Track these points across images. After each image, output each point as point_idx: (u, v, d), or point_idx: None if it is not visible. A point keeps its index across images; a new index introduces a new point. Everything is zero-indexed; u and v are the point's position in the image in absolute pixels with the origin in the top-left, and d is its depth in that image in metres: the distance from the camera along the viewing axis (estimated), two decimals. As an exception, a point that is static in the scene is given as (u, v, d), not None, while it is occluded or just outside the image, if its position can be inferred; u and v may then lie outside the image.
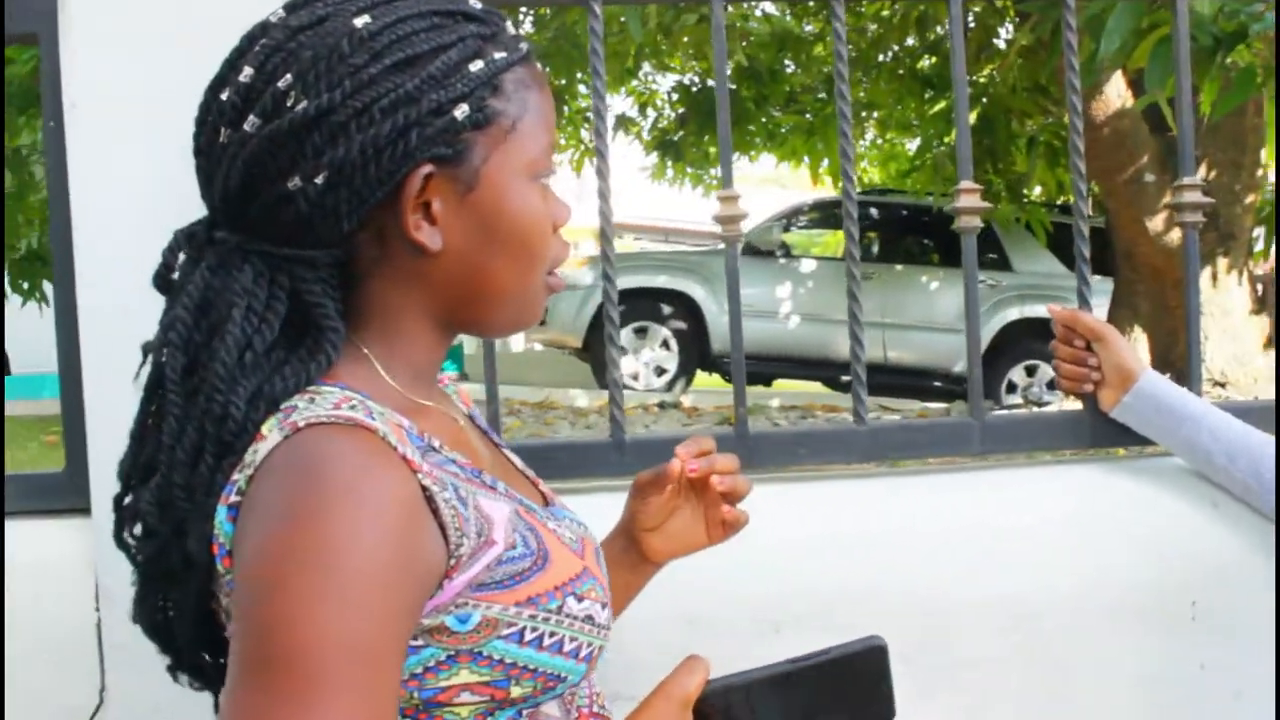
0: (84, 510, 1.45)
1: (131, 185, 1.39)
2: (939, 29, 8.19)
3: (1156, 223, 6.17)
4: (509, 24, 0.93)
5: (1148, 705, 1.48)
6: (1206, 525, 1.50)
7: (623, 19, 5.17)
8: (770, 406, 8.00)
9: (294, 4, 0.88)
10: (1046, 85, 7.29)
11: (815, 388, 9.78)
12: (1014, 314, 8.55)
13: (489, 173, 0.89)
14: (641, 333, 8.89)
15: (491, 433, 1.10)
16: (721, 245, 1.50)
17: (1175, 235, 6.25)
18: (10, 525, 1.43)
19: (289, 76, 0.84)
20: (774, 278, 9.05)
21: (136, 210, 1.38)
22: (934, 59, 8.36)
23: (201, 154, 0.89)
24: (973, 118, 7.56)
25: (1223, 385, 5.94)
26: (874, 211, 9.61)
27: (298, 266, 0.88)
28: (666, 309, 8.98)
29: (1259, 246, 6.33)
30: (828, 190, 11.06)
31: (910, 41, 8.32)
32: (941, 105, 7.87)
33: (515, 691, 0.86)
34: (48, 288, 6.73)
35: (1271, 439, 1.44)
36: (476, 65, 0.87)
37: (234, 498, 0.82)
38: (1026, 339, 8.36)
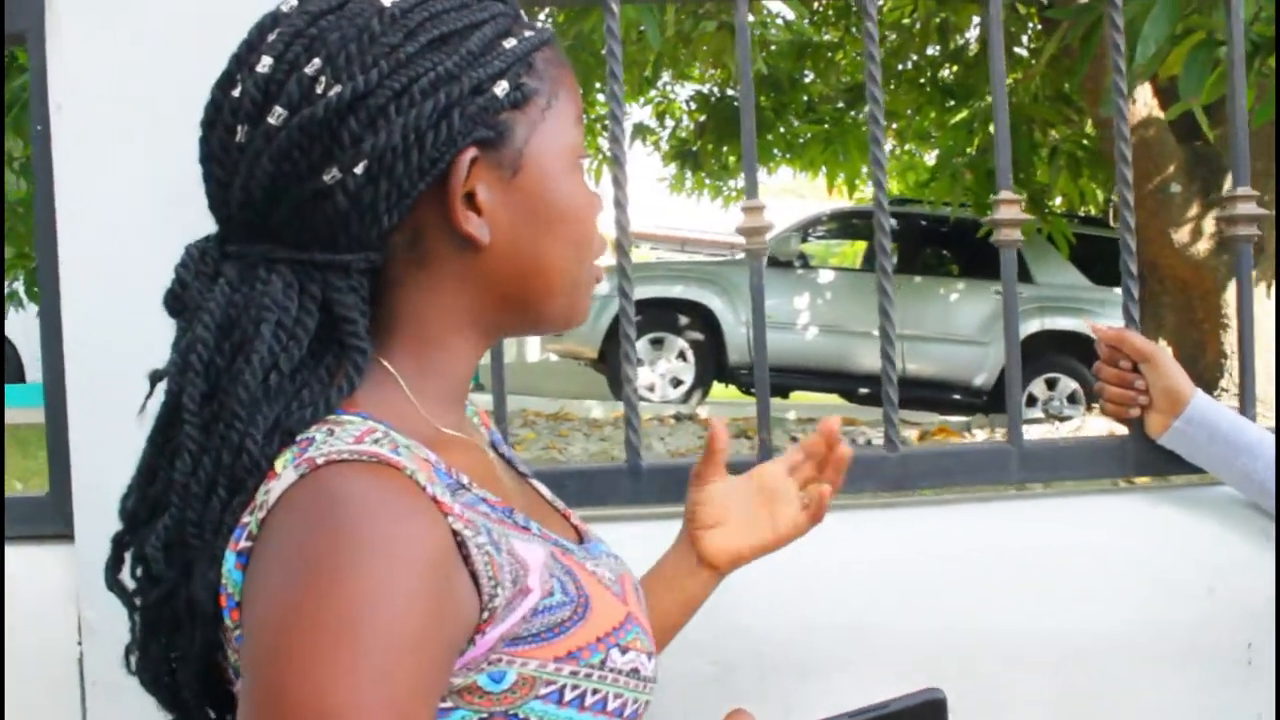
0: (67, 536, 1.37)
1: (120, 195, 1.32)
2: (959, 38, 8.13)
3: (1183, 234, 6.08)
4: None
5: (1198, 754, 1.39)
6: (1262, 561, 1.40)
7: (641, 28, 5.08)
8: (787, 419, 7.90)
9: None
10: (1069, 94, 7.21)
11: (832, 399, 9.69)
12: (1034, 326, 8.44)
13: (532, 154, 0.83)
14: (658, 344, 8.82)
15: (516, 461, 1.02)
16: (739, 255, 1.41)
17: (1202, 247, 6.15)
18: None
19: (317, 61, 0.77)
20: (791, 288, 8.96)
21: (125, 224, 1.32)
22: (955, 68, 8.29)
23: (213, 160, 0.81)
24: (994, 127, 7.47)
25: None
26: (892, 222, 9.48)
27: (330, 274, 0.80)
28: (683, 320, 8.92)
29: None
30: (845, 200, 10.99)
31: (930, 50, 8.25)
32: (962, 115, 7.78)
33: None
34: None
35: None
36: (510, 42, 0.82)
37: (244, 543, 0.74)
38: (1048, 352, 8.25)
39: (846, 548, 1.42)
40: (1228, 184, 1.41)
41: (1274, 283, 6.07)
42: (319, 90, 0.76)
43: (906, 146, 10.31)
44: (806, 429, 7.15)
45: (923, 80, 8.34)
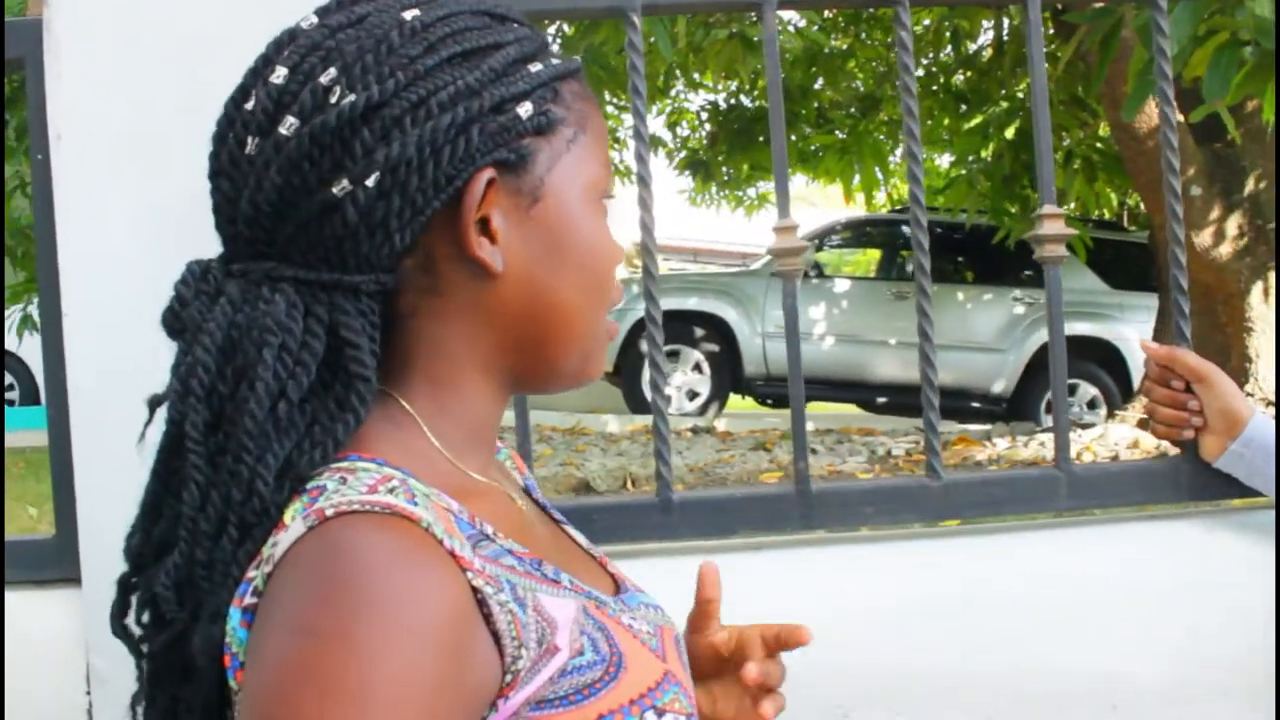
0: (74, 580, 1.32)
1: (122, 225, 1.27)
2: (971, 44, 8.07)
3: (1204, 237, 5.99)
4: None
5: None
6: (1327, 589, 1.33)
7: (652, 38, 5.03)
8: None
9: (326, 8, 0.79)
10: (1084, 98, 7.14)
11: (849, 409, 9.62)
12: (1054, 332, 8.34)
13: (553, 185, 0.79)
14: (673, 356, 8.78)
15: (551, 509, 0.96)
16: (753, 266, 1.35)
17: (1224, 250, 6.06)
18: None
19: (332, 70, 0.74)
20: (806, 298, 8.90)
21: (126, 253, 1.27)
22: (968, 74, 8.23)
23: (221, 174, 0.77)
24: (1010, 132, 7.43)
25: (1277, 405, 5.74)
26: (907, 229, 9.45)
27: (337, 294, 0.75)
28: (698, 332, 8.86)
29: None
30: (859, 209, 10.92)
31: (942, 57, 8.19)
32: (976, 121, 7.71)
33: None
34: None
35: None
36: (536, 66, 0.79)
37: (249, 599, 0.69)
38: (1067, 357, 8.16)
39: (883, 584, 1.36)
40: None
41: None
42: (333, 99, 0.74)
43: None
44: (824, 439, 7.08)
45: (935, 87, 8.28)
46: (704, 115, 9.76)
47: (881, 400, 9.08)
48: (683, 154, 10.03)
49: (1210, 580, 1.38)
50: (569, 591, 0.76)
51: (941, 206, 8.46)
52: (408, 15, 0.76)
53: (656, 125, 9.91)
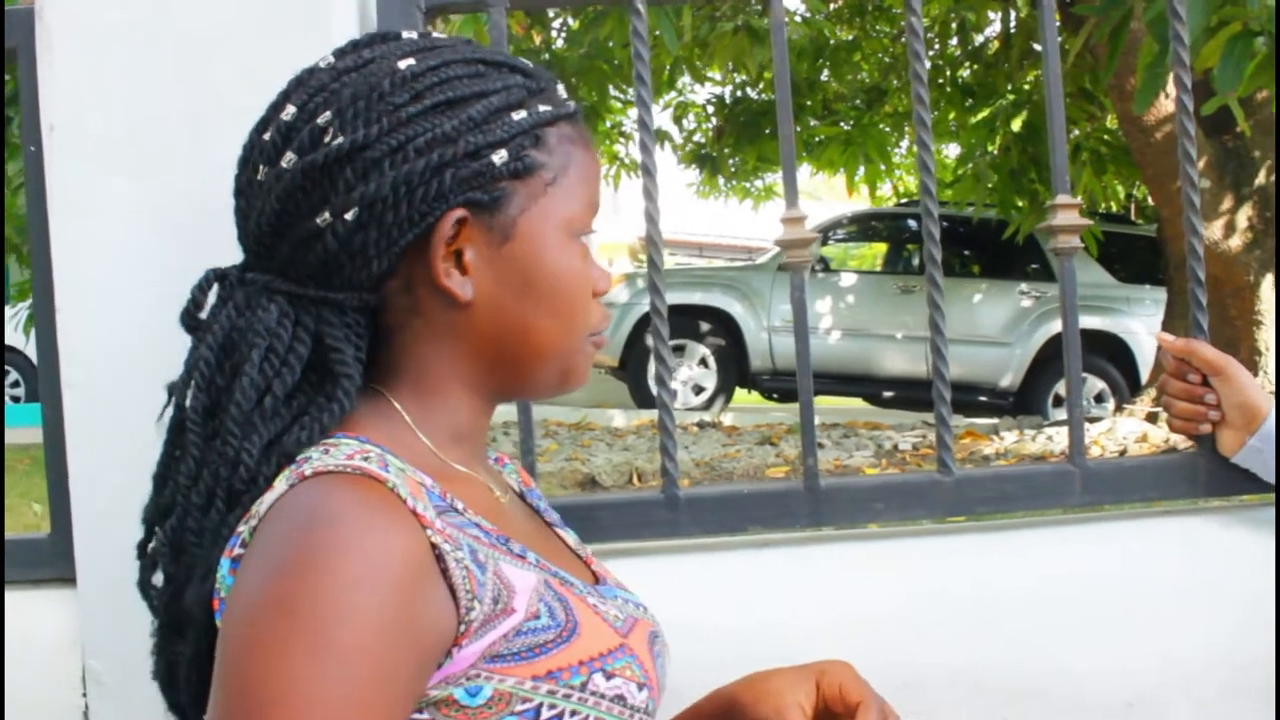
0: (69, 580, 1.29)
1: (115, 217, 1.25)
2: (977, 36, 8.02)
3: (1214, 230, 5.96)
4: (559, 85, 0.92)
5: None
6: (1348, 586, 1.30)
7: (657, 31, 5.00)
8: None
9: (343, 49, 0.89)
10: (1091, 91, 7.10)
11: (856, 403, 9.59)
12: (1060, 325, 8.28)
13: (526, 225, 0.87)
14: (679, 351, 8.75)
15: (548, 513, 1.05)
16: (759, 260, 1.32)
17: (1234, 243, 6.03)
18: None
19: (328, 113, 0.84)
20: (812, 292, 8.86)
21: (121, 245, 1.24)
22: (974, 66, 8.18)
23: (240, 194, 0.88)
24: (1017, 125, 7.38)
25: (1278, 394, 5.71)
26: (913, 223, 9.42)
27: (324, 309, 0.86)
28: (704, 326, 8.83)
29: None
30: (863, 203, 10.88)
31: (949, 49, 8.15)
32: (983, 114, 7.67)
33: None
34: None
35: None
36: (519, 114, 0.86)
37: (237, 550, 0.79)
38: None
39: (893, 582, 1.33)
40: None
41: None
42: (326, 139, 0.83)
43: (926, 146, 10.18)
44: (831, 434, 7.05)
45: (941, 80, 8.24)
46: (710, 109, 9.72)
47: (888, 394, 9.05)
48: (688, 148, 9.99)
49: (1227, 577, 1.34)
50: (533, 567, 0.84)
51: (951, 200, 8.42)
52: (402, 64, 0.85)
53: (663, 119, 9.88)
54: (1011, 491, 1.36)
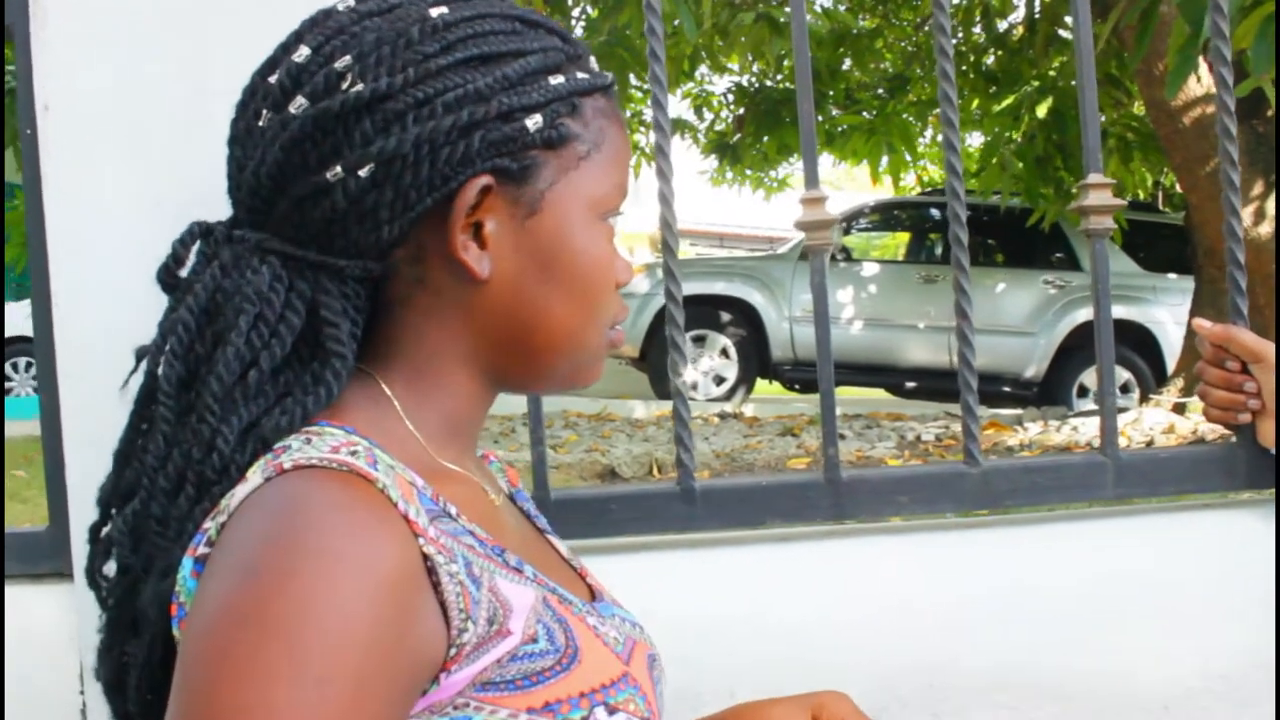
0: (66, 575, 1.26)
1: (111, 198, 1.21)
2: (1002, 22, 7.94)
3: (1243, 216, 5.86)
4: (593, 57, 0.84)
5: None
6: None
7: (676, 21, 4.96)
8: (833, 416, 7.74)
9: None
10: (1118, 76, 7.01)
11: (878, 394, 9.52)
12: (1084, 315, 8.24)
13: (554, 200, 0.78)
14: (700, 341, 8.71)
15: (538, 518, 0.96)
16: (780, 250, 1.27)
17: (1264, 230, 5.94)
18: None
19: (348, 58, 0.75)
20: (834, 282, 8.81)
21: (116, 226, 1.20)
22: (999, 53, 8.10)
23: (236, 142, 0.80)
24: (1042, 111, 7.30)
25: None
26: (935, 212, 9.34)
27: (322, 274, 0.77)
28: (725, 316, 8.79)
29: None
30: (886, 192, 10.81)
31: (973, 36, 8.07)
32: (1008, 101, 7.59)
33: None
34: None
35: None
36: (557, 79, 0.78)
37: (202, 549, 0.70)
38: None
39: (918, 577, 1.29)
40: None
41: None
42: (343, 86, 0.74)
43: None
44: (853, 424, 6.99)
45: (965, 67, 8.17)
46: (729, 98, 9.67)
47: (910, 385, 8.99)
48: (707, 139, 9.95)
49: (1266, 573, 1.29)
50: (530, 581, 0.76)
51: (977, 189, 8.34)
52: (434, 12, 0.76)
53: (681, 108, 9.83)
54: (1041, 483, 1.30)
